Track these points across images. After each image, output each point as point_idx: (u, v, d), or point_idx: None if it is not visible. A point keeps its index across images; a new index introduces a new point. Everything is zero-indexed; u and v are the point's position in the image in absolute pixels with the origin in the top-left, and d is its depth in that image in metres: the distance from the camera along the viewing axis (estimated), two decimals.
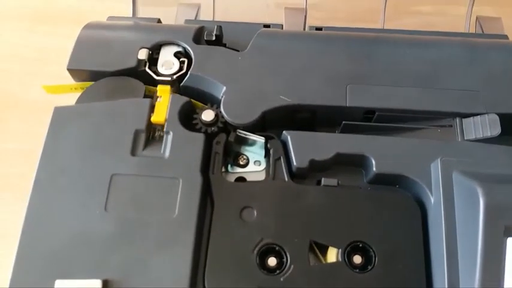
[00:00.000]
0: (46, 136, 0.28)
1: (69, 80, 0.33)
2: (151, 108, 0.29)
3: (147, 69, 0.31)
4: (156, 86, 0.31)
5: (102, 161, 0.27)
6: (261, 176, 0.29)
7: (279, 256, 0.26)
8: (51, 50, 0.46)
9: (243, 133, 0.29)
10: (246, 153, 0.30)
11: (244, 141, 0.30)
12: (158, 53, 0.32)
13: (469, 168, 0.26)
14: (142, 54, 0.31)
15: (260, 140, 0.29)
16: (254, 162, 0.30)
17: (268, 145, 0.29)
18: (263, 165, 0.30)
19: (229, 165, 0.30)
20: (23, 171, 0.39)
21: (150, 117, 0.29)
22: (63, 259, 0.25)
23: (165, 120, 0.28)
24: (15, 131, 0.42)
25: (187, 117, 0.29)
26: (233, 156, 0.30)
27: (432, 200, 0.27)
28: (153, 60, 0.32)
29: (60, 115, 0.29)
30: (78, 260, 0.25)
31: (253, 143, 0.30)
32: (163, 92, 0.30)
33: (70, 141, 0.28)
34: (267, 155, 0.30)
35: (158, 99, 0.29)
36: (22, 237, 0.26)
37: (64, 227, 0.26)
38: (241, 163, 0.30)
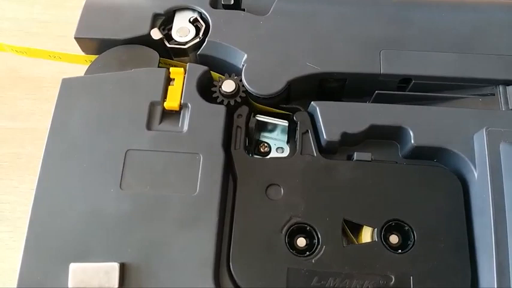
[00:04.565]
0: (54, 110, 0.26)
1: (77, 52, 0.30)
2: (168, 79, 0.27)
3: (168, 45, 0.28)
4: (170, 56, 0.29)
5: (115, 136, 0.25)
6: None
7: (309, 236, 0.24)
8: (56, 23, 0.43)
9: (263, 118, 0.27)
10: (266, 140, 0.28)
11: (265, 127, 0.28)
12: (171, 21, 0.29)
13: None
14: (156, 34, 0.28)
15: (282, 123, 0.27)
16: (276, 149, 0.28)
17: (295, 117, 0.27)
18: (286, 152, 0.28)
19: (250, 155, 0.27)
20: (31, 150, 0.38)
21: (166, 88, 0.26)
22: (77, 242, 0.23)
23: (180, 106, 0.26)
24: (21, 109, 0.40)
25: (206, 88, 0.27)
26: (254, 144, 0.28)
27: (476, 174, 0.24)
28: (168, 29, 0.29)
29: (69, 87, 0.27)
30: (93, 242, 0.23)
31: (274, 128, 0.28)
32: (177, 75, 0.27)
33: (80, 114, 0.26)
34: (290, 138, 0.28)
35: (171, 83, 0.26)
36: (32, 219, 0.24)
37: (76, 207, 0.24)
38: (262, 151, 0.28)
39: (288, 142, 0.28)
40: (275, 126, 0.28)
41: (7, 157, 0.38)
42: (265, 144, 0.28)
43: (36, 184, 0.25)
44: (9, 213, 0.36)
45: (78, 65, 0.31)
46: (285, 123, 0.27)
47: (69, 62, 0.31)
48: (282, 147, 0.28)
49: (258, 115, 0.27)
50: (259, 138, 0.28)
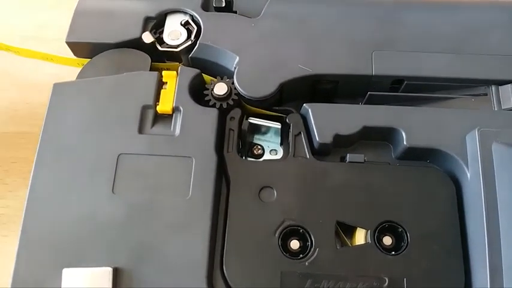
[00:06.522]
0: (46, 115, 0.26)
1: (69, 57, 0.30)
2: (160, 82, 0.27)
3: (160, 48, 0.28)
4: (162, 59, 0.29)
5: (107, 140, 0.25)
6: None
7: (302, 239, 0.24)
8: (50, 26, 0.43)
9: (255, 120, 0.27)
10: (260, 142, 0.28)
11: (258, 130, 0.28)
12: (163, 24, 0.29)
13: (511, 139, 0.24)
14: (148, 38, 0.28)
15: (274, 126, 0.27)
16: (270, 152, 0.28)
17: (287, 120, 0.27)
18: (280, 154, 0.28)
19: (243, 157, 0.27)
20: (26, 155, 0.38)
21: (158, 91, 0.26)
22: (70, 247, 0.23)
23: (172, 109, 0.26)
24: (15, 113, 0.40)
25: (198, 92, 0.27)
26: (247, 147, 0.28)
27: (468, 174, 0.24)
28: (160, 33, 0.29)
29: (61, 92, 0.27)
30: (86, 247, 0.23)
31: (267, 131, 0.28)
32: (169, 78, 0.27)
33: (72, 119, 0.26)
34: (283, 140, 0.28)
35: (164, 87, 0.26)
36: (24, 224, 0.24)
37: (69, 211, 0.24)
38: (256, 153, 0.28)
39: (281, 144, 0.28)
40: (268, 128, 0.28)
41: (1, 161, 0.38)
42: (259, 147, 0.28)
43: (28, 188, 0.24)
44: (4, 218, 0.35)
45: (72, 69, 0.31)
46: (277, 125, 0.27)
47: (62, 64, 0.31)
48: (275, 150, 0.28)
49: (250, 118, 0.27)
50: (253, 141, 0.28)
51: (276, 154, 0.28)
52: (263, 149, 0.28)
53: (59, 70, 0.32)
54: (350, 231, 0.25)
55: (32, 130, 0.39)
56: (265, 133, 0.28)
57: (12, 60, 0.42)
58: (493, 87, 0.27)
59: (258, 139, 0.28)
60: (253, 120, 0.27)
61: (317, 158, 0.26)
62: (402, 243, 0.24)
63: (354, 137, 0.26)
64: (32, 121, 0.39)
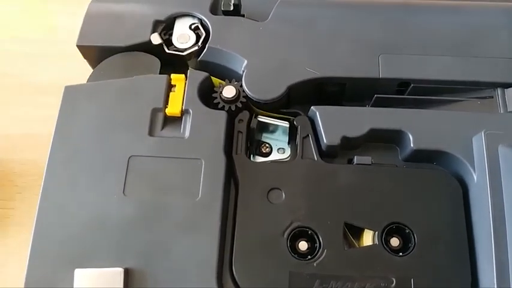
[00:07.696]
0: (58, 117, 0.26)
1: (78, 59, 0.31)
2: (169, 85, 0.27)
3: (167, 51, 0.29)
4: (171, 62, 0.29)
5: (118, 142, 0.26)
6: None
7: (310, 240, 0.24)
8: (59, 29, 0.43)
9: (264, 119, 0.27)
10: (268, 140, 0.28)
11: (266, 128, 0.28)
12: (172, 28, 0.30)
13: None
14: (156, 39, 0.29)
15: (283, 124, 0.27)
16: (278, 150, 0.28)
17: (295, 122, 0.27)
18: (287, 153, 0.28)
19: (251, 155, 0.28)
20: (35, 157, 0.38)
21: (168, 94, 0.27)
22: (81, 247, 0.24)
23: (181, 112, 0.26)
24: (24, 116, 0.40)
25: (207, 94, 0.27)
26: (255, 145, 0.28)
27: (475, 177, 0.25)
28: (169, 35, 0.30)
29: (72, 94, 0.27)
30: (97, 248, 0.24)
31: (275, 129, 0.28)
32: (178, 81, 0.27)
33: (83, 121, 0.26)
34: (290, 141, 0.28)
35: (172, 89, 0.27)
36: (36, 225, 0.24)
37: (80, 213, 0.24)
38: (264, 151, 0.28)
39: (289, 143, 0.28)
40: (276, 127, 0.28)
41: (11, 163, 0.38)
42: (267, 145, 0.28)
43: (41, 190, 0.25)
44: (13, 219, 0.36)
45: (82, 71, 0.31)
46: (286, 124, 0.28)
47: None
48: (283, 148, 0.28)
49: (259, 116, 0.28)
50: (261, 139, 0.28)
51: (284, 153, 0.28)
52: (271, 148, 0.28)
53: (69, 72, 0.32)
54: (358, 232, 0.25)
55: (41, 132, 0.39)
56: (273, 132, 0.28)
57: (21, 63, 0.43)
58: (499, 90, 0.27)
59: (266, 137, 0.28)
60: (262, 119, 0.27)
61: (325, 160, 0.26)
62: (409, 245, 0.24)
63: (361, 139, 0.26)
64: (41, 123, 0.39)
